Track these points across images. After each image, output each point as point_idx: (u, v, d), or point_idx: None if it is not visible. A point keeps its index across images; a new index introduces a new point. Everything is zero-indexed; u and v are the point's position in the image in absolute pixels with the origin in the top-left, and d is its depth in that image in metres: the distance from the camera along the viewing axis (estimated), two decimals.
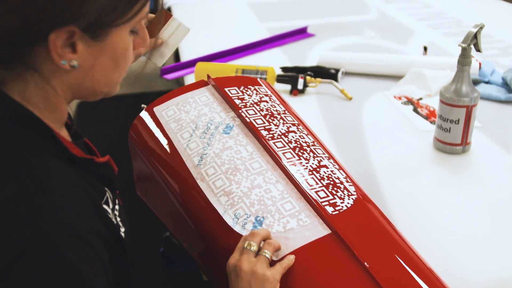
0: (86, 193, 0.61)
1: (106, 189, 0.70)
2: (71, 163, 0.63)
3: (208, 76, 1.01)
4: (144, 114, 0.99)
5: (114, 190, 0.75)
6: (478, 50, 1.11)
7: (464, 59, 1.11)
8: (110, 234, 0.64)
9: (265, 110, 0.96)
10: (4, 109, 0.59)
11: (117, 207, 0.73)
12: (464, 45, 1.09)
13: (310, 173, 0.85)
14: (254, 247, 0.72)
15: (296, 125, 0.96)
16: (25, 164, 0.57)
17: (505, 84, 1.46)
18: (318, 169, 0.87)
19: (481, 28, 1.09)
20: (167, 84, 3.31)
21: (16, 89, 0.60)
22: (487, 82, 1.50)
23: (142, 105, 1.01)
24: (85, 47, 0.58)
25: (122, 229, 0.72)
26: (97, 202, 0.64)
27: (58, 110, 0.65)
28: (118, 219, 0.72)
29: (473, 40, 1.09)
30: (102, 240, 0.60)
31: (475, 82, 1.47)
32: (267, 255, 0.71)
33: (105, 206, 0.67)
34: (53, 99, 0.62)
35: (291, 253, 0.75)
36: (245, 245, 0.72)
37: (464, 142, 1.16)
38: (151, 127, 0.97)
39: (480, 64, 1.51)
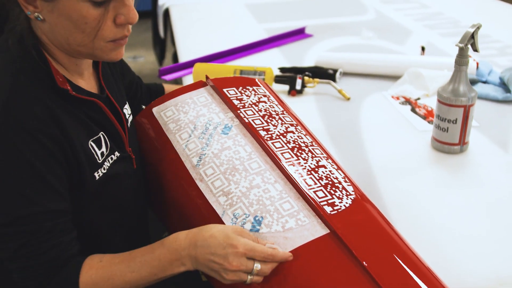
0: (49, 110, 0.73)
1: (102, 133, 0.83)
2: (62, 96, 0.77)
3: (207, 77, 1.01)
4: (142, 115, 1.00)
5: (115, 143, 0.86)
6: (475, 50, 1.11)
7: (461, 59, 1.12)
8: (77, 158, 0.77)
9: (263, 110, 0.96)
10: (26, 34, 0.76)
11: (113, 156, 0.85)
12: (461, 45, 1.09)
13: (309, 173, 0.86)
14: (255, 269, 0.73)
15: (295, 125, 0.97)
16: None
17: (502, 84, 1.46)
18: (316, 169, 0.87)
19: (478, 28, 1.09)
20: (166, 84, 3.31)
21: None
22: (484, 82, 1.50)
23: (142, 106, 1.01)
24: (42, 4, 0.72)
25: (102, 170, 0.81)
26: (74, 132, 0.76)
27: (61, 59, 0.80)
28: (107, 164, 0.83)
29: (470, 40, 1.10)
30: (62, 151, 0.74)
31: (473, 82, 1.48)
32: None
33: (92, 143, 0.80)
34: (48, 46, 0.78)
35: (290, 252, 0.75)
36: (255, 262, 0.74)
37: (462, 141, 1.17)
38: (149, 128, 0.97)
39: (477, 64, 1.51)
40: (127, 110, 0.96)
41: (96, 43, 0.75)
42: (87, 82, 0.86)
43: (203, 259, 0.74)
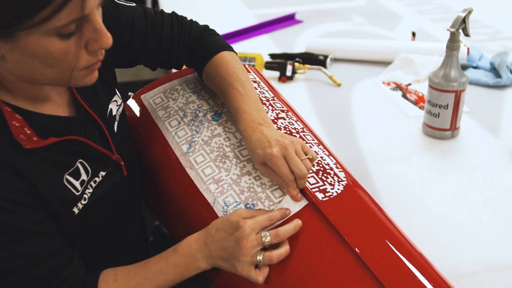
0: (8, 167, 0.66)
1: (80, 161, 0.75)
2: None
3: None
4: (131, 102, 0.98)
5: (98, 163, 0.79)
6: (466, 34, 1.11)
7: (452, 43, 1.11)
8: (47, 204, 0.70)
9: None
10: None
11: (97, 179, 0.78)
12: (452, 30, 1.09)
13: None
14: (267, 241, 0.74)
15: (285, 111, 0.96)
16: None
17: (493, 69, 1.46)
18: None
19: (470, 12, 1.09)
20: (155, 72, 3.29)
21: None
22: (475, 67, 1.50)
23: (129, 93, 0.99)
24: (2, 43, 0.61)
25: (83, 202, 0.75)
26: (41, 178, 0.69)
27: (21, 90, 0.70)
28: (89, 190, 0.76)
29: (461, 24, 1.09)
30: (34, 197, 0.68)
31: (463, 67, 1.47)
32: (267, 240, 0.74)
33: (68, 177, 0.73)
34: (6, 81, 0.68)
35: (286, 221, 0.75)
36: (262, 234, 0.74)
37: (453, 127, 1.16)
38: (138, 116, 0.96)
39: (468, 49, 1.51)
40: (115, 102, 0.86)
41: (67, 74, 0.66)
42: (56, 103, 0.76)
43: (217, 254, 0.74)
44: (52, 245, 0.71)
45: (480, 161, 1.11)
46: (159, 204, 0.95)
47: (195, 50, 0.93)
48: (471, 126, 1.23)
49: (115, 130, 0.85)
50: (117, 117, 0.86)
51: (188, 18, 0.96)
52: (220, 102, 0.93)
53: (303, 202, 0.78)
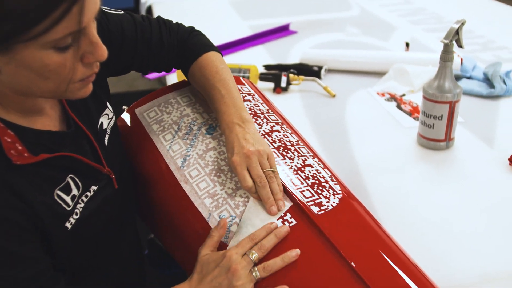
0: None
1: (71, 176, 0.74)
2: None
3: None
4: (125, 116, 0.98)
5: (89, 178, 0.78)
6: (460, 46, 1.11)
7: (446, 55, 1.11)
8: (40, 218, 0.69)
9: (248, 109, 0.95)
10: None
11: (88, 193, 0.77)
12: (446, 41, 1.09)
13: (295, 172, 0.85)
14: (254, 257, 0.74)
15: (280, 124, 0.95)
16: None
17: (486, 79, 1.47)
18: (303, 169, 0.86)
19: (463, 24, 1.09)
20: (149, 83, 3.28)
21: None
22: (468, 78, 1.51)
23: (123, 107, 0.99)
24: None
25: (74, 217, 0.74)
26: (32, 193, 0.69)
27: (14, 103, 0.69)
28: (80, 205, 0.76)
29: (455, 36, 1.09)
30: (24, 215, 0.67)
31: (457, 78, 1.48)
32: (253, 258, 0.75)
33: (59, 192, 0.72)
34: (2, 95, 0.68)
35: (276, 250, 0.75)
36: (248, 252, 0.75)
37: (448, 137, 1.17)
38: (132, 129, 0.95)
39: (462, 59, 1.51)
40: (106, 116, 0.86)
41: (63, 87, 0.66)
42: (49, 116, 0.76)
43: None
44: (35, 269, 0.69)
45: (475, 171, 1.11)
46: (154, 218, 0.95)
47: (182, 52, 0.94)
48: (465, 136, 1.23)
49: (106, 143, 0.84)
50: (108, 130, 0.86)
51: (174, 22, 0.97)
52: (214, 115, 0.93)
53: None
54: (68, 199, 0.74)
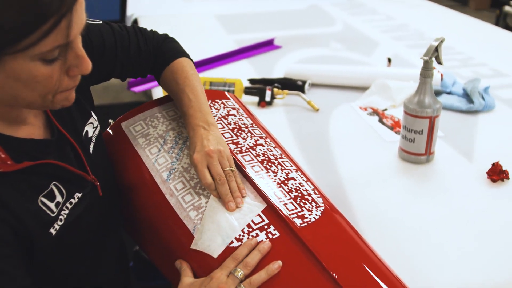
0: None
1: (55, 183, 0.76)
2: None
3: None
4: (111, 130, 0.99)
5: (73, 185, 0.79)
6: (439, 62, 1.14)
7: (426, 71, 1.14)
8: (23, 225, 0.70)
9: (232, 123, 0.97)
10: None
11: (72, 200, 0.78)
12: (426, 58, 1.12)
13: (279, 185, 0.86)
14: (240, 275, 0.75)
15: (264, 138, 0.97)
16: None
17: (465, 95, 1.50)
18: (286, 182, 0.88)
19: (442, 41, 1.12)
20: (135, 95, 3.28)
21: None
22: (448, 93, 1.54)
23: (110, 121, 1.00)
24: None
25: (59, 223, 0.75)
26: (16, 200, 0.70)
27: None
28: (65, 212, 0.77)
29: (434, 53, 1.12)
30: (7, 226, 0.68)
31: (437, 93, 1.51)
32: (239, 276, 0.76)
33: (43, 199, 0.73)
34: None
35: (261, 266, 0.76)
36: (233, 271, 0.76)
37: (428, 152, 1.19)
38: (118, 143, 0.96)
39: (442, 75, 1.55)
40: (91, 124, 0.88)
41: (48, 98, 0.68)
42: (33, 125, 0.77)
43: None
44: (9, 286, 0.67)
45: (455, 185, 1.14)
46: (139, 230, 0.95)
47: (156, 58, 0.98)
48: (445, 150, 1.26)
49: (91, 151, 0.86)
50: (93, 138, 0.88)
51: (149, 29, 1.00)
52: None
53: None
54: (52, 205, 0.75)
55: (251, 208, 0.82)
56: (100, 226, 0.87)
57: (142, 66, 0.97)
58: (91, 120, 0.88)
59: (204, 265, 0.79)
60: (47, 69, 0.64)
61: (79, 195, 0.80)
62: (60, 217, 0.76)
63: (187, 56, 1.00)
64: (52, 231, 0.74)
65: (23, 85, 0.65)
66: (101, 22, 0.92)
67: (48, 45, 0.61)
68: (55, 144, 0.78)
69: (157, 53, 0.98)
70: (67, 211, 0.77)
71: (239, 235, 0.79)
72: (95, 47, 0.88)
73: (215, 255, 0.79)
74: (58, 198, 0.76)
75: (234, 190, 0.84)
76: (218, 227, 0.80)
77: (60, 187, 0.77)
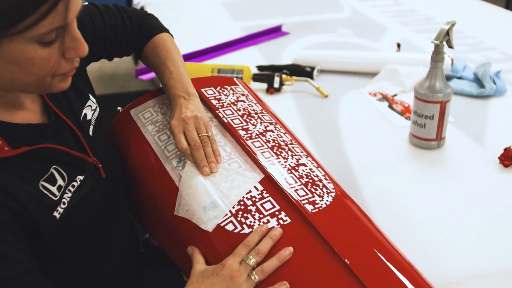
0: None
1: (55, 167, 0.76)
2: None
3: None
4: (120, 117, 0.98)
5: (74, 168, 0.79)
6: (450, 46, 1.13)
7: (437, 55, 1.13)
8: (26, 210, 0.70)
9: (242, 109, 0.96)
10: None
11: (74, 183, 0.78)
12: (437, 42, 1.11)
13: (289, 171, 0.86)
14: (252, 262, 0.75)
15: (274, 124, 0.97)
16: None
17: (476, 79, 1.49)
18: (296, 168, 0.87)
19: (453, 25, 1.11)
20: (142, 84, 3.28)
21: None
22: (459, 78, 1.52)
23: (118, 108, 1.00)
24: None
25: (62, 206, 0.75)
26: (16, 184, 0.70)
27: None
28: (68, 195, 0.77)
29: (445, 37, 1.11)
30: (9, 211, 0.68)
31: (448, 78, 1.50)
32: (251, 264, 0.75)
33: (44, 183, 0.73)
34: None
35: (272, 253, 0.76)
36: (245, 259, 0.76)
37: (439, 137, 1.18)
38: (128, 130, 0.96)
39: (452, 60, 1.53)
40: (89, 107, 0.88)
41: (45, 81, 0.69)
42: (29, 109, 0.77)
43: None
44: (15, 270, 0.67)
45: (466, 170, 1.13)
46: (149, 217, 0.95)
47: (138, 34, 1.01)
48: (456, 135, 1.25)
49: (90, 133, 0.86)
50: (93, 121, 0.88)
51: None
52: (209, 115, 0.94)
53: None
54: (54, 189, 0.75)
55: (245, 180, 0.83)
56: (106, 208, 0.87)
57: (129, 43, 1.00)
58: (89, 103, 0.88)
59: (215, 251, 0.79)
60: (45, 51, 0.65)
61: (81, 177, 0.80)
62: (63, 200, 0.76)
63: (167, 31, 1.03)
64: (56, 214, 0.74)
65: (20, 68, 0.65)
66: (86, 2, 0.93)
67: (45, 27, 0.62)
68: (52, 128, 0.78)
69: (139, 30, 1.01)
70: (70, 194, 0.77)
71: (250, 222, 0.79)
72: (86, 29, 0.89)
73: (199, 223, 0.79)
74: (60, 181, 0.76)
75: (209, 155, 0.85)
76: (195, 192, 0.81)
77: (61, 170, 0.77)
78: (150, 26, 1.01)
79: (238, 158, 0.87)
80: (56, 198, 0.75)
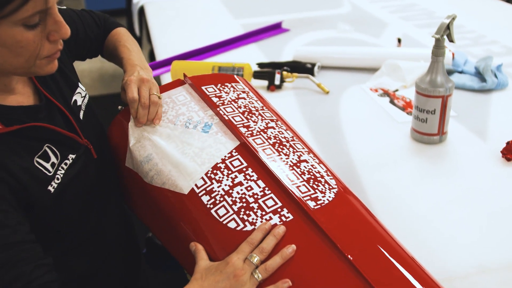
0: None
1: (47, 145, 0.81)
2: None
3: (185, 75, 1.00)
4: (121, 116, 0.98)
5: (66, 147, 0.85)
6: (451, 40, 1.12)
7: (438, 50, 1.12)
8: (21, 183, 0.75)
9: (243, 107, 0.96)
10: None
11: (67, 161, 0.84)
12: (437, 36, 1.10)
13: (291, 168, 0.86)
14: (256, 260, 0.75)
15: (275, 120, 0.96)
16: None
17: (478, 74, 1.48)
18: (298, 164, 0.87)
19: (454, 19, 1.10)
20: None
21: None
22: (460, 72, 1.52)
23: (119, 107, 1.00)
24: None
25: (56, 181, 0.80)
26: (12, 159, 0.75)
27: None
28: (61, 171, 0.82)
29: (446, 31, 1.10)
30: (4, 183, 0.72)
31: (449, 72, 1.49)
32: (255, 261, 0.75)
33: (38, 159, 0.79)
34: None
35: (276, 250, 0.75)
36: (249, 257, 0.76)
37: (441, 131, 1.18)
38: (123, 134, 0.96)
39: (453, 54, 1.53)
40: (79, 94, 0.93)
41: (31, 62, 0.74)
42: (22, 93, 0.83)
43: None
44: (11, 239, 0.70)
45: (469, 164, 1.12)
46: (151, 217, 0.95)
47: (103, 32, 1.11)
48: (458, 130, 1.25)
49: (81, 117, 0.92)
50: (83, 106, 0.94)
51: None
52: (210, 113, 0.94)
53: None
54: (48, 165, 0.80)
55: (219, 147, 0.87)
56: (98, 188, 0.91)
57: (101, 42, 1.11)
58: (78, 90, 0.95)
59: (218, 248, 0.79)
60: (30, 34, 0.71)
61: (73, 156, 0.85)
62: (57, 176, 0.81)
63: (125, 27, 1.15)
64: (51, 188, 0.79)
65: (9, 50, 0.71)
66: (65, 7, 1.05)
67: (28, 10, 0.68)
68: (44, 110, 0.83)
69: (105, 28, 1.12)
70: (63, 171, 0.82)
71: (253, 219, 0.78)
72: (71, 31, 0.93)
73: (144, 175, 0.87)
74: (53, 159, 0.81)
75: (152, 115, 0.91)
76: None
77: (54, 148, 0.82)
78: (112, 23, 1.13)
79: (239, 156, 0.87)
80: (50, 174, 0.80)
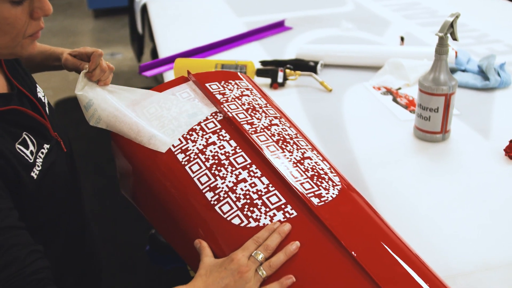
0: None
1: (25, 133, 0.83)
2: None
3: (188, 72, 1.01)
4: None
5: (40, 136, 0.87)
6: (454, 38, 1.12)
7: (441, 48, 1.13)
8: (10, 164, 0.77)
9: (246, 104, 0.96)
10: None
11: (43, 150, 0.86)
12: (441, 34, 1.10)
13: (295, 165, 0.86)
14: (261, 257, 0.75)
15: (278, 118, 0.97)
16: None
17: (481, 72, 1.48)
18: (302, 161, 0.87)
19: (457, 17, 1.10)
20: (146, 81, 3.28)
21: None
22: (463, 70, 1.52)
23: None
24: None
25: (37, 168, 0.83)
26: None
27: None
28: (40, 160, 0.84)
29: (449, 29, 1.11)
30: None
31: (452, 71, 1.49)
32: (260, 258, 0.75)
33: (19, 146, 0.81)
34: None
35: (280, 247, 0.76)
36: (254, 254, 0.75)
37: (444, 130, 1.18)
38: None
39: (456, 52, 1.53)
40: (40, 93, 0.96)
41: (16, 41, 0.77)
42: None
43: None
44: (2, 223, 0.70)
45: (471, 163, 1.12)
46: (155, 213, 0.96)
47: None
48: (461, 128, 1.25)
49: (47, 112, 0.94)
50: (46, 104, 0.96)
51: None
52: (213, 110, 0.94)
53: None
54: (28, 152, 0.82)
55: (193, 105, 0.93)
56: (71, 182, 0.95)
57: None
58: (38, 89, 0.97)
59: (222, 245, 0.79)
60: (16, 10, 0.74)
61: (47, 146, 0.88)
62: (37, 163, 0.83)
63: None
64: (33, 175, 0.82)
65: None
66: None
67: None
68: (16, 98, 0.86)
69: None
70: (41, 160, 0.85)
71: (257, 216, 0.79)
72: None
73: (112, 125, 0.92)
74: (31, 147, 0.84)
75: (105, 77, 0.98)
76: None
77: (31, 137, 0.84)
78: None
79: (243, 152, 0.87)
80: (31, 161, 0.82)
